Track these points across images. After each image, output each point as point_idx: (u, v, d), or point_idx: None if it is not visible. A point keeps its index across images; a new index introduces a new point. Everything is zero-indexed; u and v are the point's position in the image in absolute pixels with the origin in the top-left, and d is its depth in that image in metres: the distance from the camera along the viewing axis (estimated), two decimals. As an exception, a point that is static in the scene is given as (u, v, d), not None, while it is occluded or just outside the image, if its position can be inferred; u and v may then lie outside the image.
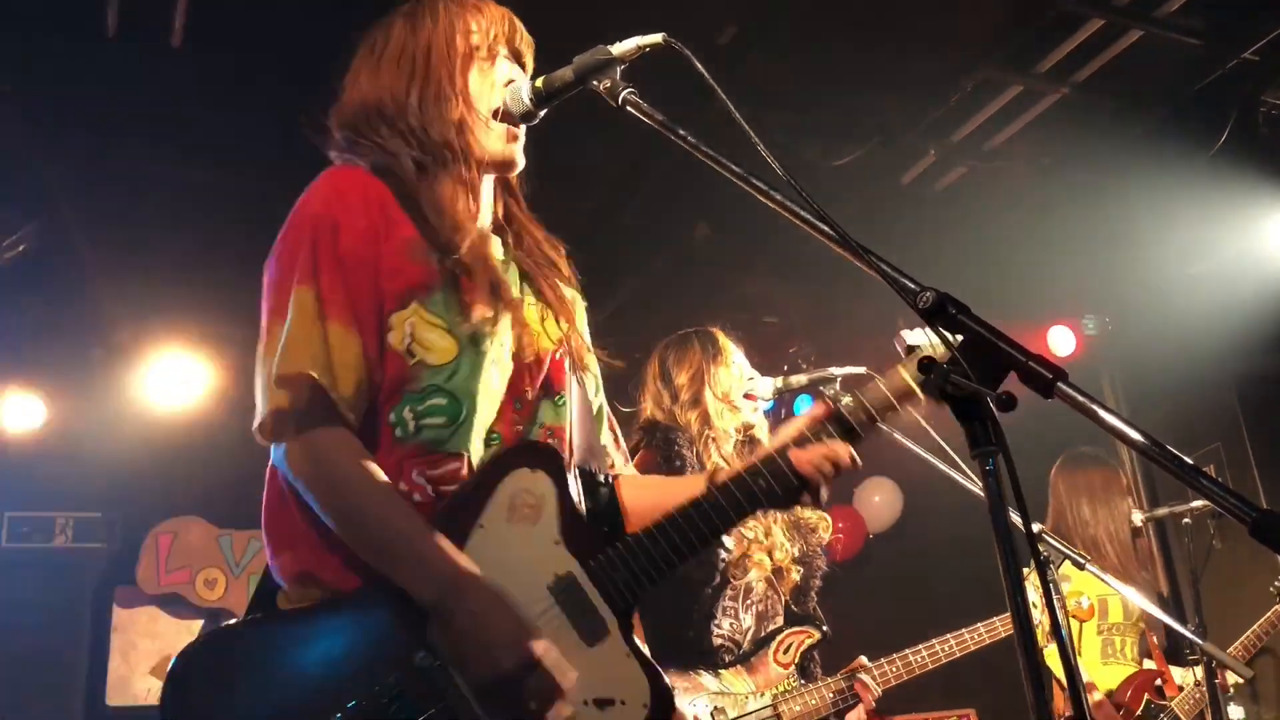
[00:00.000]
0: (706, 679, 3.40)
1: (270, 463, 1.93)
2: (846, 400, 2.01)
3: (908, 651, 3.61)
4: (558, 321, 2.11)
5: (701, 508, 1.94)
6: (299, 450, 1.83)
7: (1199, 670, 4.53)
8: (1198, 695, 4.49)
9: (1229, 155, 5.28)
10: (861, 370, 3.49)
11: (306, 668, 1.74)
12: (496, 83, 2.08)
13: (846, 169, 5.66)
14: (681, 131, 1.72)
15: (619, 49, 1.87)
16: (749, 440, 3.74)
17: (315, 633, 1.78)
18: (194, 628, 7.11)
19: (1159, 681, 4.57)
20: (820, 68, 5.07)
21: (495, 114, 2.07)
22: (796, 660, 3.47)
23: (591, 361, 2.22)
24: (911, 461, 3.14)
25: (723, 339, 3.78)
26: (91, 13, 4.46)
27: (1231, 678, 4.36)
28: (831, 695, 3.45)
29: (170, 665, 1.72)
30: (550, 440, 2.01)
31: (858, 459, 1.98)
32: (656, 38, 1.84)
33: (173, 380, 6.13)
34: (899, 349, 1.97)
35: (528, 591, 1.81)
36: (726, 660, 3.44)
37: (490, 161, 2.09)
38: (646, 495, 2.18)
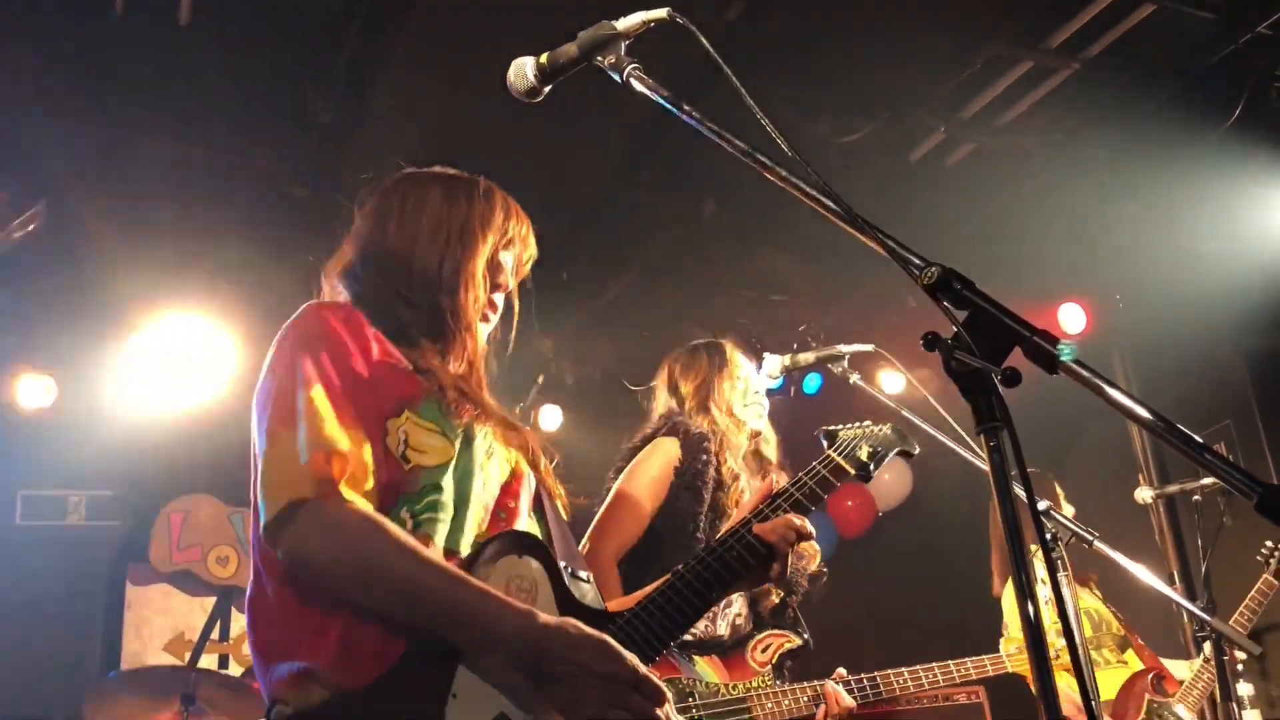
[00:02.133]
0: (678, 661, 3.40)
1: (254, 570, 1.90)
2: (785, 480, 2.26)
3: (890, 672, 3.62)
4: (524, 447, 2.18)
5: (685, 579, 2.06)
6: (324, 534, 1.76)
7: (1196, 664, 4.54)
8: (1200, 686, 4.49)
9: (1242, 131, 5.23)
10: (869, 348, 3.49)
11: None
12: (495, 278, 2.22)
13: (856, 145, 5.63)
14: (686, 107, 1.71)
15: (624, 24, 1.86)
16: (756, 454, 3.76)
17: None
18: (206, 604, 7.17)
19: (1157, 678, 4.57)
20: (829, 44, 5.04)
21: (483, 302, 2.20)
22: (774, 661, 3.49)
23: (560, 489, 2.29)
24: (921, 439, 3.14)
25: (730, 351, 3.79)
26: (99, -9, 4.46)
27: (1240, 654, 4.36)
28: (805, 699, 3.46)
29: None
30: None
31: (811, 530, 2.17)
32: (661, 12, 1.83)
33: (184, 359, 6.14)
34: (822, 440, 2.40)
35: None
36: (707, 649, 3.45)
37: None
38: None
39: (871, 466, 2.35)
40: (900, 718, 6.53)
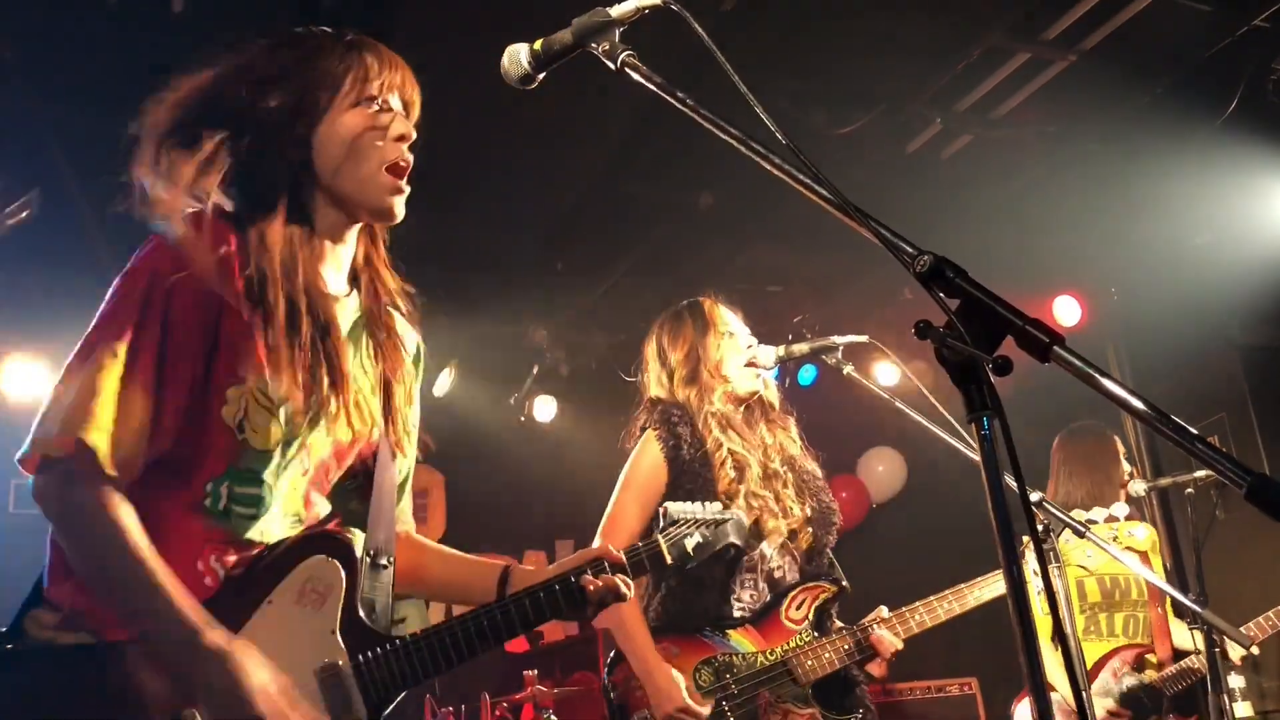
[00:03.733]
0: (712, 639, 3.40)
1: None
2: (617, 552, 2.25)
3: (932, 599, 3.62)
4: (389, 394, 2.15)
5: (492, 615, 2.07)
6: (56, 492, 1.88)
7: (1198, 638, 4.53)
8: (1174, 670, 4.48)
9: (1238, 124, 5.24)
10: (864, 339, 3.48)
11: (73, 709, 1.79)
12: (389, 136, 2.05)
13: (852, 137, 5.63)
14: (680, 94, 1.70)
15: (618, 11, 1.84)
16: (759, 406, 3.74)
17: (86, 673, 1.82)
18: (200, 594, 7.16)
19: (1140, 655, 4.57)
20: (825, 35, 5.03)
21: (386, 167, 2.05)
22: (810, 616, 3.48)
23: (411, 441, 2.26)
24: (915, 431, 3.14)
25: (709, 308, 3.78)
26: (93, -22, 4.44)
27: (1235, 651, 4.35)
28: (846, 648, 3.46)
29: None
30: (349, 518, 2.11)
31: (627, 592, 2.19)
32: (656, -1, 1.82)
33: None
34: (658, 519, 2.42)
35: (296, 671, 1.87)
36: (740, 622, 3.44)
37: (369, 210, 2.09)
38: (433, 565, 2.33)
39: (692, 560, 2.37)
40: (896, 707, 6.56)
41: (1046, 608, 3.76)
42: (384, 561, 2.10)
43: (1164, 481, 4.75)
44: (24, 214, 5.24)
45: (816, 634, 3.47)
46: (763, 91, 1.61)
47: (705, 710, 3.23)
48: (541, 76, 1.96)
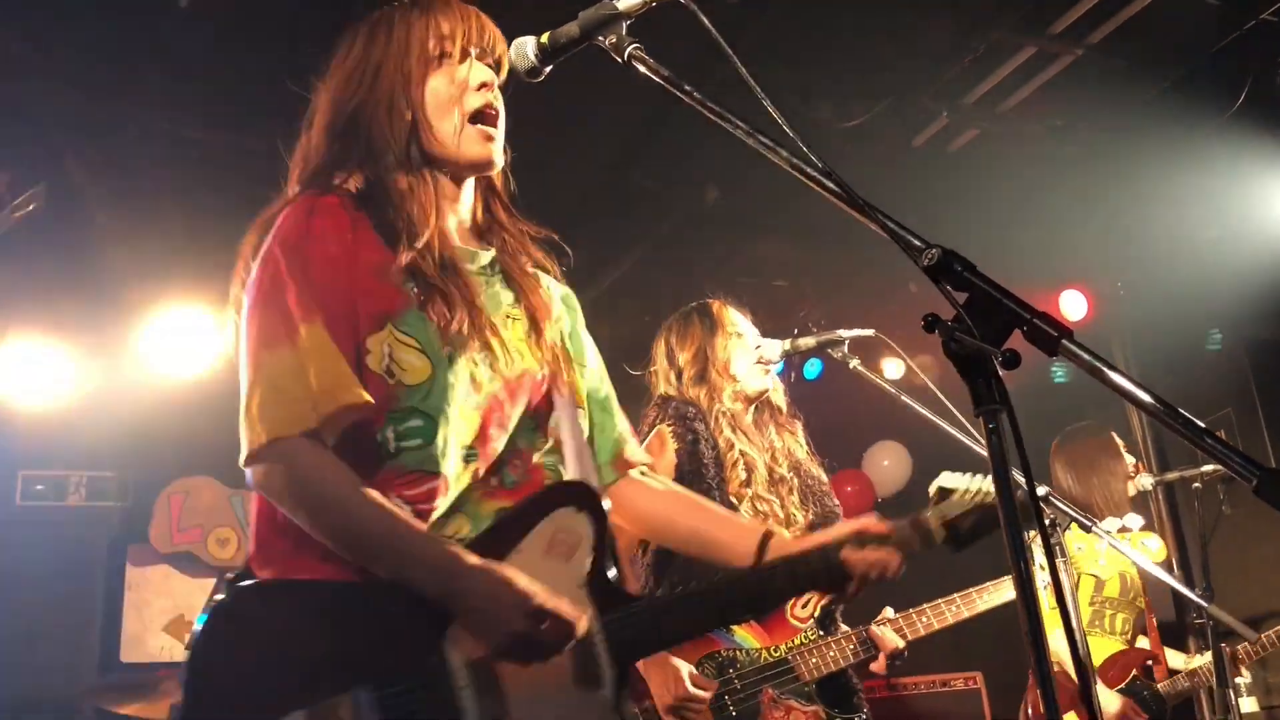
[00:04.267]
0: (716, 634, 3.41)
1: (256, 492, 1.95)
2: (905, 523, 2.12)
3: (940, 601, 3.63)
4: (541, 337, 2.12)
5: (751, 584, 2.02)
6: (277, 473, 1.86)
7: (1196, 660, 4.55)
8: (1186, 684, 4.50)
9: (1244, 118, 5.22)
10: (870, 333, 3.49)
11: (337, 635, 1.79)
12: (469, 86, 2.08)
13: (858, 130, 5.62)
14: (688, 87, 1.70)
15: (625, 3, 1.84)
16: (767, 403, 3.75)
17: (350, 603, 1.83)
18: (206, 586, 7.17)
19: (1149, 662, 4.58)
20: (831, 29, 5.02)
21: (470, 117, 2.07)
22: (815, 614, 3.48)
23: (583, 369, 2.25)
24: (920, 425, 3.14)
25: (718, 309, 3.78)
26: (99, -29, 4.45)
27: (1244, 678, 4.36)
28: (851, 648, 3.46)
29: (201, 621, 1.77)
30: (535, 458, 2.04)
31: (901, 569, 2.09)
32: (664, -9, 1.82)
33: (185, 340, 6.14)
34: (930, 493, 2.16)
35: None
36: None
37: (465, 164, 2.10)
38: (686, 513, 2.27)
39: (962, 544, 2.15)
40: (900, 701, 6.56)
41: (1052, 601, 3.76)
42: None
43: (1170, 476, 4.75)
44: (31, 207, 5.24)
45: (821, 632, 3.48)
46: (769, 84, 1.61)
47: (706, 694, 3.23)
48: (548, 70, 1.96)
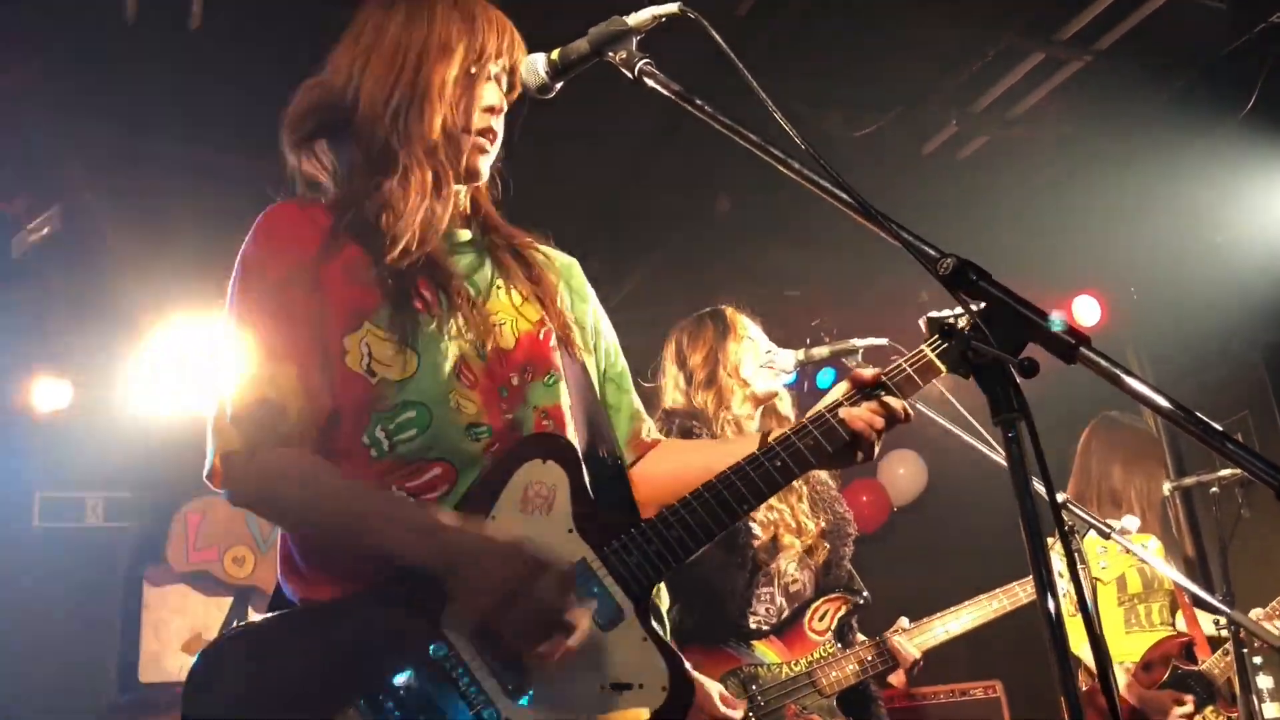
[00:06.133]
0: (737, 650, 3.40)
1: None
2: (893, 370, 1.95)
3: (957, 608, 3.62)
4: (540, 301, 2.10)
5: (729, 480, 1.89)
6: (250, 481, 1.86)
7: (1215, 657, 4.50)
8: (1219, 657, 4.46)
9: (1256, 121, 5.20)
10: (883, 342, 3.48)
11: (320, 658, 1.77)
12: (479, 103, 2.07)
13: (868, 139, 5.63)
14: (698, 101, 1.70)
15: (634, 19, 1.85)
16: (773, 410, 3.74)
17: (328, 624, 1.81)
18: (223, 604, 7.19)
19: (1189, 645, 4.54)
20: (840, 38, 5.03)
21: (470, 130, 2.06)
22: (833, 627, 3.48)
23: (594, 336, 2.23)
24: (935, 433, 3.13)
25: (731, 314, 3.79)
26: (111, -4, 4.48)
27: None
28: (869, 659, 3.46)
29: (192, 664, 1.75)
30: (545, 422, 1.99)
31: (910, 411, 1.94)
32: (672, 7, 1.82)
33: (199, 359, 6.16)
34: (922, 326, 1.90)
35: None
36: (763, 633, 3.45)
37: (459, 173, 2.09)
38: (693, 461, 2.12)
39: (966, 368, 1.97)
40: (919, 711, 6.53)
41: (1072, 609, 3.74)
42: (601, 454, 2.03)
43: (1188, 481, 4.72)
44: (45, 230, 5.28)
45: (839, 645, 3.47)
46: (779, 95, 1.61)
47: (738, 714, 3.23)
48: (559, 86, 1.97)
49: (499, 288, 2.08)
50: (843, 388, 1.96)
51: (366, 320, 1.91)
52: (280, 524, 1.92)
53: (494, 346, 1.98)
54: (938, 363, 1.87)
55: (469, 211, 2.17)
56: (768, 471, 1.90)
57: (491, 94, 2.09)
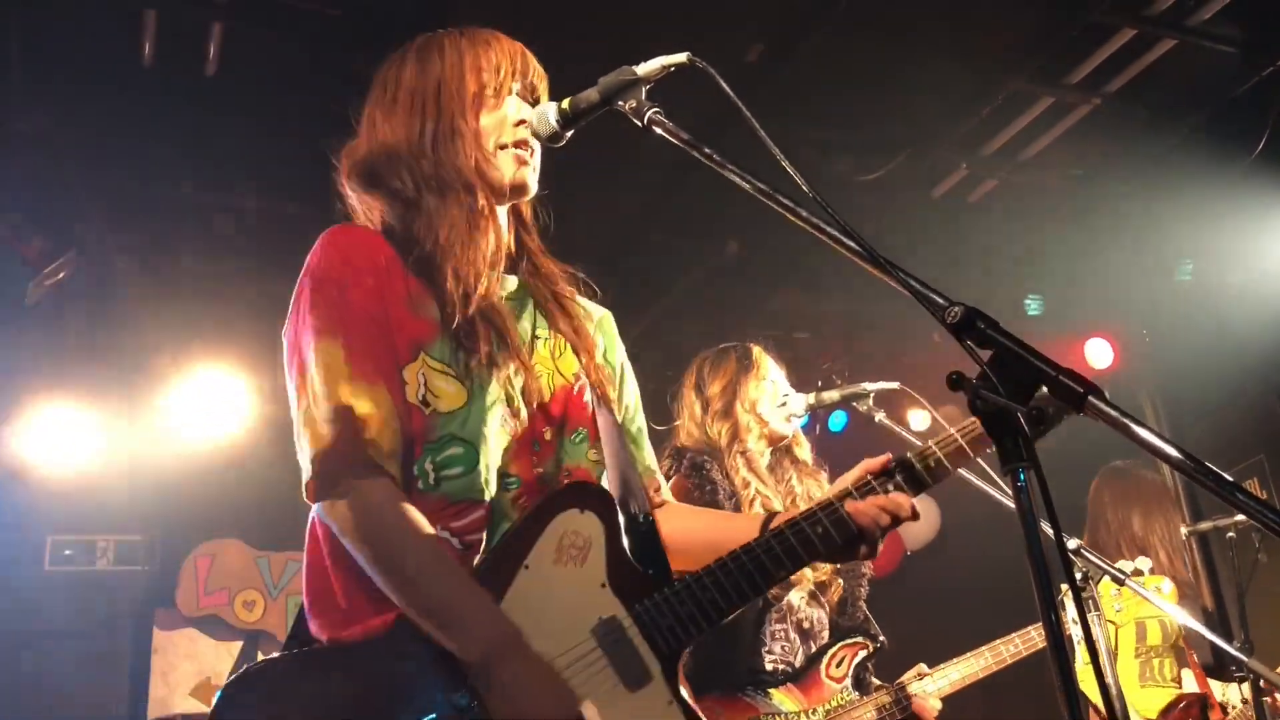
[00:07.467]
0: (754, 700, 3.37)
1: (310, 524, 1.95)
2: (908, 455, 1.99)
3: (970, 655, 3.60)
4: (577, 355, 2.11)
5: (755, 554, 1.90)
6: (345, 504, 1.83)
7: (1244, 687, 4.44)
8: (1249, 714, 4.39)
9: (1266, 163, 5.21)
10: (894, 385, 3.48)
11: (344, 698, 1.75)
12: (507, 119, 2.09)
13: (878, 183, 5.64)
14: (707, 150, 1.72)
15: (644, 69, 1.87)
16: (787, 452, 3.73)
17: (354, 665, 1.78)
18: (233, 649, 7.16)
19: (1203, 705, 4.48)
20: (849, 83, 5.06)
21: (503, 147, 2.09)
22: (850, 673, 3.45)
23: (621, 390, 2.24)
24: (949, 478, 3.11)
25: (758, 354, 3.80)
26: (128, 42, 4.53)
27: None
28: (885, 706, 3.42)
29: (215, 698, 1.73)
30: (568, 481, 1.99)
31: (917, 510, 1.96)
32: (681, 57, 1.84)
33: (211, 404, 6.18)
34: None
35: (571, 634, 1.80)
36: (780, 680, 3.42)
37: (505, 190, 2.10)
38: (695, 529, 2.17)
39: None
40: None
41: (1087, 657, 3.70)
42: (638, 515, 2.02)
43: (1204, 526, 4.68)
44: (61, 275, 5.31)
45: (856, 692, 3.44)
46: (788, 139, 1.62)
47: None
48: (570, 134, 1.99)
49: (539, 339, 2.10)
50: (848, 477, 1.99)
51: (423, 351, 1.93)
52: (356, 552, 1.85)
53: (535, 398, 2.00)
54: (947, 462, 1.95)
55: (513, 251, 2.18)
56: (783, 550, 1.91)
57: (517, 108, 2.11)
